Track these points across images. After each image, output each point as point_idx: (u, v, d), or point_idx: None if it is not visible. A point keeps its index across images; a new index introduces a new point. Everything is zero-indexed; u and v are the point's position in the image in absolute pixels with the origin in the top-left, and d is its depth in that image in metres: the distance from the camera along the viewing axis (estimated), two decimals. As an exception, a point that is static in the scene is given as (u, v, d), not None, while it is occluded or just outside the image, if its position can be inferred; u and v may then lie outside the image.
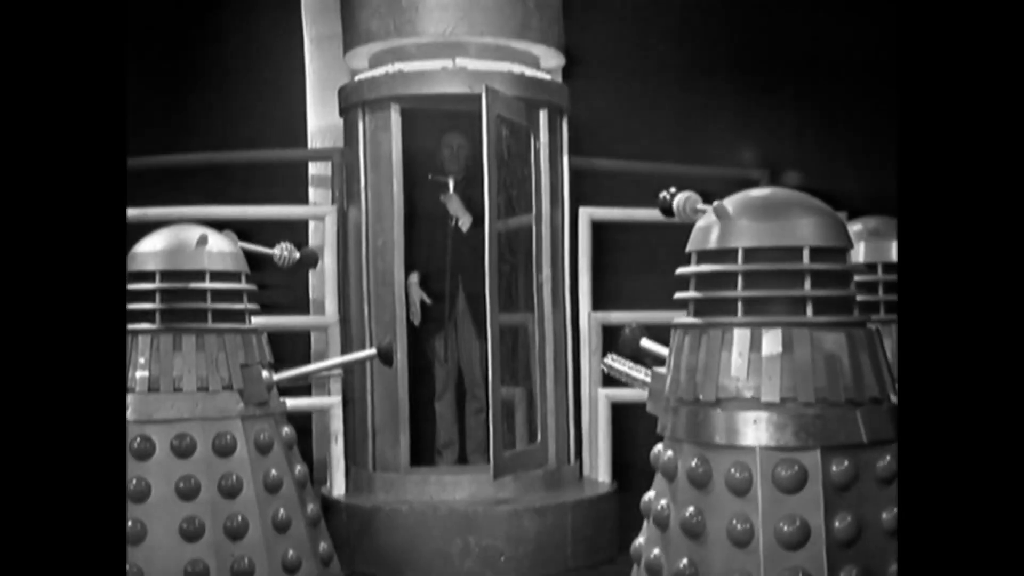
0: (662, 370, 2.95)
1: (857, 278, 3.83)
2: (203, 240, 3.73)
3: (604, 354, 3.40)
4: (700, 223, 2.88)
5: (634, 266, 5.81)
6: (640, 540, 2.91)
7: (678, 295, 2.93)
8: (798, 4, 5.98)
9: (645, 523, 2.92)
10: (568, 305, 5.23)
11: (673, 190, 2.92)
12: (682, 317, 2.92)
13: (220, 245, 3.80)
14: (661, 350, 3.10)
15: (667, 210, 2.97)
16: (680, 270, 2.92)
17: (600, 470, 5.27)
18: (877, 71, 5.04)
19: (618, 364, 3.14)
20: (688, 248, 2.91)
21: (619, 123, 6.08)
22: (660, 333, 3.08)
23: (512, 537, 4.71)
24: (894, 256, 3.81)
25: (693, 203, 2.88)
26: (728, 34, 6.19)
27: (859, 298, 3.78)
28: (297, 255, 4.08)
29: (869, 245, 3.90)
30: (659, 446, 2.92)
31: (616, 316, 5.27)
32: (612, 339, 4.99)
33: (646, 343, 3.18)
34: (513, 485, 4.90)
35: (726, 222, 2.79)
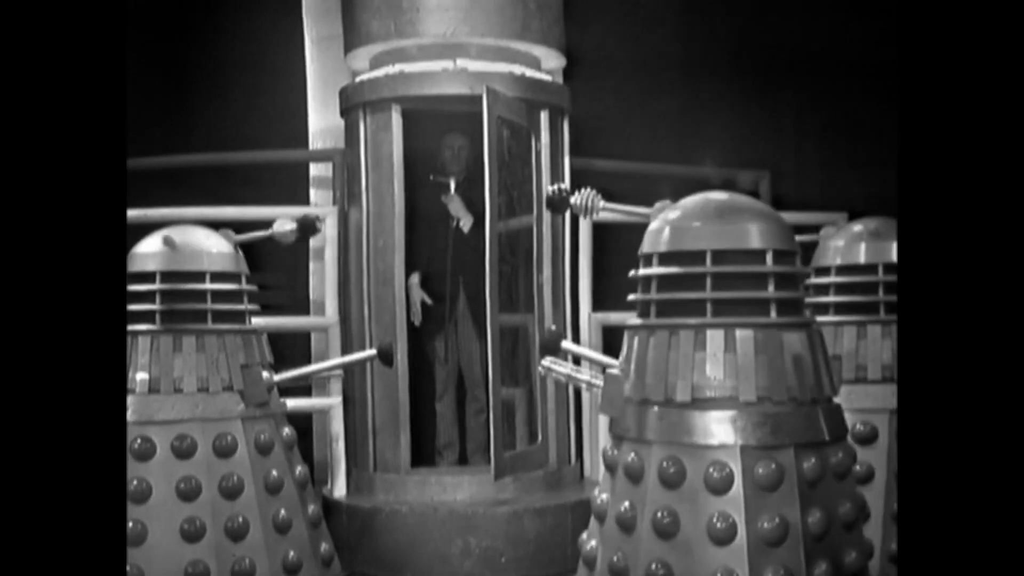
0: (616, 372, 2.93)
1: (858, 278, 3.88)
2: (168, 242, 3.71)
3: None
4: (653, 226, 2.91)
5: (634, 267, 5.80)
6: (592, 543, 2.88)
7: (632, 297, 2.94)
8: (798, 4, 5.98)
9: (595, 525, 2.89)
10: (568, 306, 5.22)
11: (565, 187, 3.00)
12: (635, 319, 2.92)
13: (220, 246, 3.80)
14: (583, 351, 3.11)
15: (555, 206, 3.07)
16: (640, 271, 2.93)
17: (601, 471, 5.26)
18: (877, 71, 5.03)
19: (557, 366, 3.13)
20: (642, 250, 2.92)
21: (619, 123, 6.08)
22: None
23: (512, 538, 4.70)
24: (894, 256, 3.81)
25: (595, 200, 2.94)
26: (728, 35, 6.19)
27: (860, 299, 3.84)
28: (294, 225, 4.07)
29: (869, 246, 3.89)
30: (611, 447, 2.92)
31: (616, 316, 5.26)
32: (612, 339, 4.99)
33: (567, 344, 3.21)
34: (513, 486, 4.89)
35: (685, 225, 2.80)
